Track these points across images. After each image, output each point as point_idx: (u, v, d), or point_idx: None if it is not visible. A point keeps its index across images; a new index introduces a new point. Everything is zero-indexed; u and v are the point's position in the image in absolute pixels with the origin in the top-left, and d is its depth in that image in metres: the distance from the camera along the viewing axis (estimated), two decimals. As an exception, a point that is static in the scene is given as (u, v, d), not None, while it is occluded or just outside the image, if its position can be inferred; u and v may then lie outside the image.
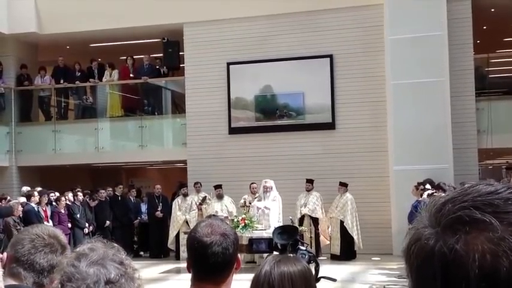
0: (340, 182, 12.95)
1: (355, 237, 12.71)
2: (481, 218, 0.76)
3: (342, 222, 12.70)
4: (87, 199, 13.55)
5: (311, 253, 9.65)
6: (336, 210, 12.83)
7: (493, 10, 14.71)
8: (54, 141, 15.89)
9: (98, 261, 1.17)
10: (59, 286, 1.17)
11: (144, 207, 14.99)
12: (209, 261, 1.91)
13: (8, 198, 12.11)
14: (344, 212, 12.72)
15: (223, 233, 1.95)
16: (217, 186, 13.16)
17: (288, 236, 9.83)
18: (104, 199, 13.98)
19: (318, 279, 5.90)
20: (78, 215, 12.88)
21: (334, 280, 6.38)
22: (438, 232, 0.79)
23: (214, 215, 10.84)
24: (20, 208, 10.72)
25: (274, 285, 1.90)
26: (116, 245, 1.25)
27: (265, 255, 9.67)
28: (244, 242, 11.01)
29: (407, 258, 0.83)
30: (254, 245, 10.80)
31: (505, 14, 14.59)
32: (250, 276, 2.01)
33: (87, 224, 13.01)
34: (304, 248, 9.62)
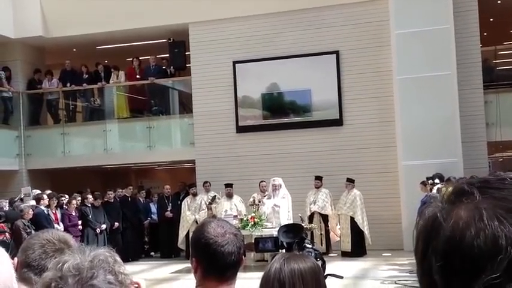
0: (347, 178, 12.92)
1: (366, 233, 12.69)
2: (468, 191, 0.84)
3: (352, 219, 12.69)
4: (93, 200, 13.52)
5: (317, 251, 9.65)
6: (345, 207, 12.79)
7: (499, 2, 14.63)
8: (63, 144, 15.95)
9: (88, 282, 1.09)
10: None
11: (153, 208, 15.04)
12: (226, 260, 1.95)
13: (17, 198, 12.16)
14: (354, 208, 12.69)
15: (235, 233, 2.01)
16: (228, 185, 13.14)
17: (294, 234, 9.82)
18: (112, 200, 13.99)
19: (324, 277, 5.88)
20: (90, 216, 12.97)
21: (340, 277, 6.36)
22: (437, 205, 0.87)
23: (214, 216, 10.91)
24: (31, 212, 10.75)
25: (284, 282, 1.89)
26: (101, 250, 1.17)
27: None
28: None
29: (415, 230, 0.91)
30: (260, 244, 10.77)
31: (511, 6, 14.49)
32: (261, 274, 2.01)
33: (99, 225, 13.09)
34: (310, 246, 9.62)
